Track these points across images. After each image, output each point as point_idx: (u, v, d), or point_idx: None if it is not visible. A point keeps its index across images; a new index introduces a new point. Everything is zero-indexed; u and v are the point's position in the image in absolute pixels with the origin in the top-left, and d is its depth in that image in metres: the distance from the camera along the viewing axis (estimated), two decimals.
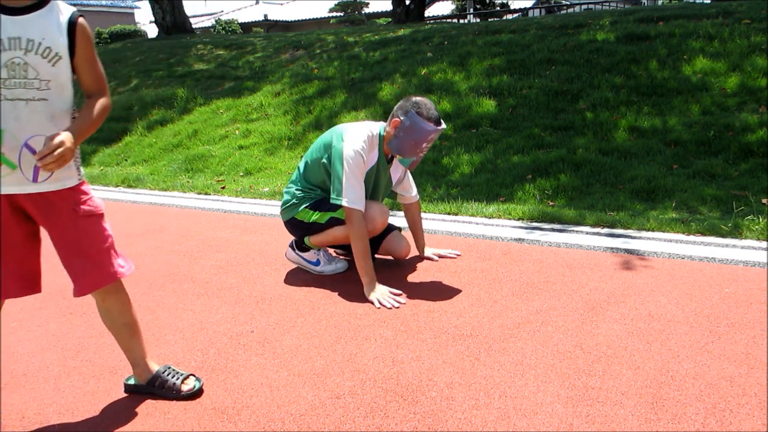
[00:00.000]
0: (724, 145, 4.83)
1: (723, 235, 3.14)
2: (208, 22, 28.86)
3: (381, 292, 2.56)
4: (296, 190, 2.84)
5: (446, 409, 1.76)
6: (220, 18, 28.79)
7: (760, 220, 3.28)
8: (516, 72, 6.73)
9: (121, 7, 33.17)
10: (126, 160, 7.41)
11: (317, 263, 2.93)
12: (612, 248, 3.03)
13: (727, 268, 2.69)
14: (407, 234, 3.13)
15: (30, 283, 1.73)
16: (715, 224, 3.27)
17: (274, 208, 4.34)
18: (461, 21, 20.35)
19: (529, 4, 25.77)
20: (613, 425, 1.64)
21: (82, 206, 1.69)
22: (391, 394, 1.85)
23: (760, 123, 4.94)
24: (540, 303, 2.43)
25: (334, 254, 3.09)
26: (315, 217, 2.77)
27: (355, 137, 2.63)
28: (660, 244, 3.07)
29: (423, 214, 3.28)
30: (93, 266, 1.72)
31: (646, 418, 1.65)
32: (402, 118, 2.62)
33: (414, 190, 2.99)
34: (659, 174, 4.53)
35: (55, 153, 1.47)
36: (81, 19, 1.62)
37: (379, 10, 26.56)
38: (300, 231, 2.86)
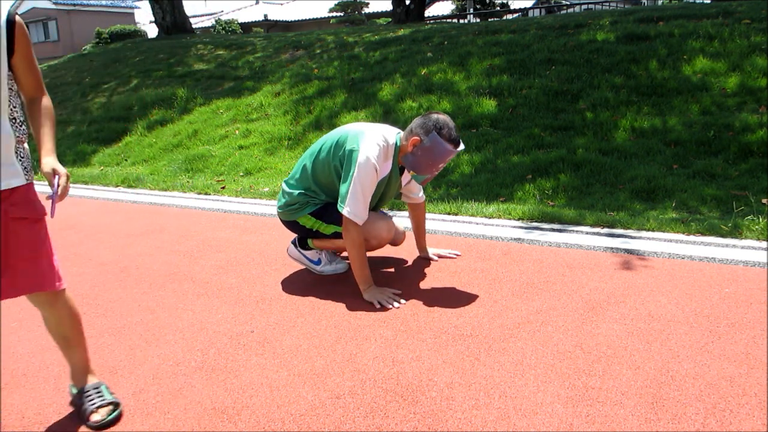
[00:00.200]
0: (724, 145, 4.83)
1: (723, 235, 3.14)
2: (208, 22, 28.87)
3: (380, 293, 2.55)
4: (300, 194, 2.74)
5: (446, 409, 1.76)
6: (220, 18, 28.80)
7: (760, 220, 3.28)
8: (516, 72, 6.73)
9: (121, 7, 33.19)
10: (126, 160, 7.41)
11: (318, 262, 2.93)
12: (612, 248, 3.03)
13: (727, 268, 2.69)
14: (408, 234, 3.13)
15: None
16: (715, 224, 3.27)
17: (274, 208, 4.33)
18: (461, 21, 20.35)
19: (529, 4, 25.78)
20: (613, 425, 1.64)
21: (13, 208, 1.62)
22: (391, 394, 1.85)
23: (760, 123, 4.94)
24: (540, 303, 2.43)
25: (335, 254, 3.09)
26: (320, 227, 2.73)
27: (371, 145, 2.51)
28: (660, 244, 3.07)
29: None
30: (13, 272, 1.64)
31: (646, 418, 1.65)
32: (423, 137, 2.51)
33: (421, 191, 2.96)
34: (659, 174, 4.53)
35: (67, 187, 1.65)
36: (18, 18, 1.61)
37: (379, 10, 26.57)
38: (302, 233, 2.86)
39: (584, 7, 18.99)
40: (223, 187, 5.29)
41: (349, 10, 26.73)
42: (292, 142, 6.59)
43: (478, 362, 2.00)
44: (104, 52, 13.46)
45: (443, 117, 2.53)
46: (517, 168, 4.97)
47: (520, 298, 2.50)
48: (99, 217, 4.44)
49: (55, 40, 31.52)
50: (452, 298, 2.54)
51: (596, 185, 4.56)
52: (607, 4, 19.74)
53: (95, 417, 1.77)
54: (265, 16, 29.71)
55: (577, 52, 6.84)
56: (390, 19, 17.27)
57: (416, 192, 2.93)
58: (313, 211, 2.73)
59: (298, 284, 2.83)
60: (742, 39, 6.22)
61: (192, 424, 1.76)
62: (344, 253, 3.17)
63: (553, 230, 3.43)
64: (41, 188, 1.96)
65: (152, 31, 24.20)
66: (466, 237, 3.39)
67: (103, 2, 32.65)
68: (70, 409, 1.88)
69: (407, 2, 13.27)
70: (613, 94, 5.84)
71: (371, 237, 2.71)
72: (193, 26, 16.16)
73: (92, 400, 1.81)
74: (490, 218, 3.77)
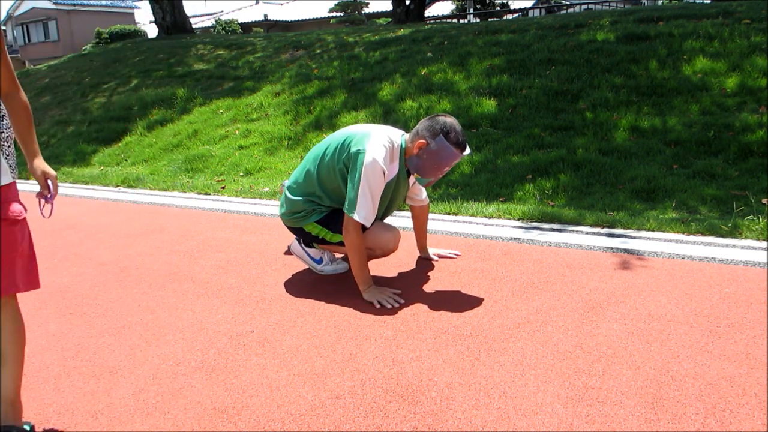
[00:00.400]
0: (724, 145, 4.84)
1: (723, 235, 3.14)
2: (208, 22, 28.88)
3: (380, 293, 2.55)
4: (305, 201, 2.70)
5: (446, 409, 1.76)
6: (220, 18, 28.81)
7: (760, 220, 3.28)
8: (516, 72, 6.73)
9: (121, 7, 33.23)
10: (126, 160, 7.41)
11: (320, 261, 2.92)
12: (612, 248, 3.03)
13: (727, 268, 2.69)
14: (410, 234, 3.13)
15: None
16: (715, 224, 3.27)
17: (274, 208, 4.34)
18: (461, 21, 20.36)
19: (529, 4, 25.80)
20: (613, 425, 1.64)
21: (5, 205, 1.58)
22: (391, 394, 1.85)
23: (759, 123, 4.94)
24: (540, 303, 2.43)
25: (337, 255, 3.09)
26: (326, 235, 2.70)
27: (377, 147, 2.47)
28: (660, 244, 3.07)
29: None
30: None
31: (646, 418, 1.65)
32: (429, 141, 2.47)
33: (424, 193, 2.93)
34: (659, 174, 4.53)
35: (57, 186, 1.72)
36: None
37: (379, 10, 26.57)
38: (307, 238, 2.82)
39: (584, 7, 19.00)
40: (223, 187, 5.29)
41: (349, 10, 26.73)
42: (292, 142, 6.59)
43: (478, 362, 2.00)
44: (104, 52, 13.46)
45: (450, 120, 2.49)
46: (517, 168, 4.97)
47: (520, 298, 2.50)
48: (99, 217, 4.44)
49: (55, 40, 31.57)
50: (452, 298, 2.54)
51: (596, 185, 4.56)
52: (607, 4, 19.75)
53: None
54: (265, 16, 29.72)
55: (577, 52, 6.84)
56: (390, 19, 17.27)
57: (420, 194, 2.91)
58: (319, 219, 2.69)
59: (298, 284, 2.83)
60: (742, 39, 6.22)
61: (192, 424, 1.76)
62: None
63: (553, 230, 3.43)
64: (23, 187, 1.96)
65: (152, 31, 24.23)
66: (466, 237, 3.39)
67: (103, 2, 32.68)
68: (70, 409, 1.88)
69: (407, 2, 13.28)
70: (613, 94, 5.84)
71: (377, 248, 2.69)
72: (193, 26, 16.17)
73: None
74: (490, 218, 3.78)
